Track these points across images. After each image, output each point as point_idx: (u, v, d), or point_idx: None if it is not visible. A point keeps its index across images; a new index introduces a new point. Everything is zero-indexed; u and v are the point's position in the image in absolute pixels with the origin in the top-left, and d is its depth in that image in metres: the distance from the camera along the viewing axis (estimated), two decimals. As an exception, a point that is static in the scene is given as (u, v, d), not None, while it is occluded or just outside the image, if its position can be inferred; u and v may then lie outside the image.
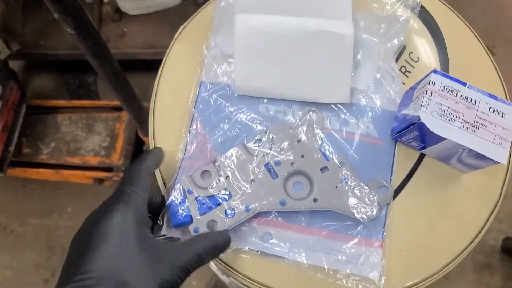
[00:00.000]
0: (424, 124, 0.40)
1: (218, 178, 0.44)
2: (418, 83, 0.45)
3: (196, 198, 0.43)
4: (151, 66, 1.26)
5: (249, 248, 0.43)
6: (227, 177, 0.44)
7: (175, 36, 0.54)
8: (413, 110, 0.42)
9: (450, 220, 0.45)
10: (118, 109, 1.20)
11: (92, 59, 0.67)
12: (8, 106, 1.12)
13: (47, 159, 1.17)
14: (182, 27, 0.55)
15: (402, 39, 0.49)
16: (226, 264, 0.44)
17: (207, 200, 0.43)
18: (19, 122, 1.17)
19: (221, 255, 0.44)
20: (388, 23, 0.50)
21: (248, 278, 0.44)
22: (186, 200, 0.43)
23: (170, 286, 0.34)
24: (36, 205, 1.28)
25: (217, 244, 0.39)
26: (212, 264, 0.44)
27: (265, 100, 0.48)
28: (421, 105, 0.40)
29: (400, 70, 0.49)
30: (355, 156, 0.46)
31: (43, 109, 1.23)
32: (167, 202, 0.43)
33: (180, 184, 0.44)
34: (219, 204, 0.43)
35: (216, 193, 0.43)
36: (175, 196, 0.43)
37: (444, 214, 0.45)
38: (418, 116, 0.40)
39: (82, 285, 0.31)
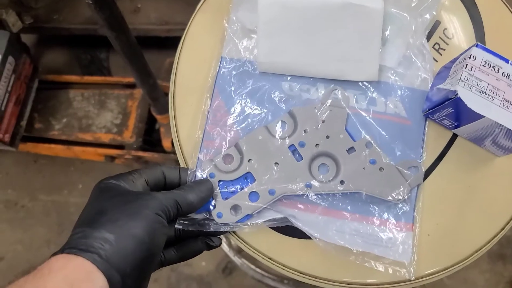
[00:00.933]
0: (461, 100, 0.38)
1: (241, 162, 0.43)
2: (454, 60, 0.42)
3: (219, 182, 0.42)
4: (164, 43, 1.25)
5: (273, 229, 0.42)
6: (249, 160, 0.42)
7: (196, 10, 0.52)
8: (450, 84, 0.39)
9: (481, 205, 0.43)
10: (130, 86, 1.18)
11: (109, 31, 0.65)
12: (20, 80, 1.10)
13: (58, 135, 1.16)
14: (202, 0, 0.52)
15: (434, 13, 0.47)
16: (248, 244, 0.42)
17: (230, 185, 0.42)
18: (31, 96, 1.16)
19: (244, 236, 0.42)
20: None
21: (272, 260, 0.42)
22: None
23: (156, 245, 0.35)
24: (47, 181, 1.28)
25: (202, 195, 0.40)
26: (224, 245, 0.42)
27: (289, 78, 0.46)
28: (460, 79, 0.38)
29: (433, 47, 0.47)
30: (384, 136, 0.44)
31: (55, 84, 1.21)
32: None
33: (202, 169, 0.42)
34: (242, 188, 0.42)
35: (239, 177, 0.42)
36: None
37: (474, 199, 0.43)
38: (455, 91, 0.38)
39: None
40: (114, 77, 1.24)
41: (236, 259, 0.92)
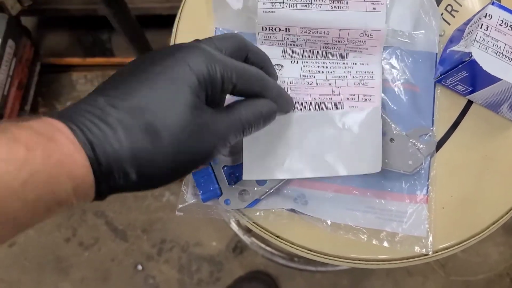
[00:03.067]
0: (476, 62, 0.35)
1: None
2: (468, 21, 0.40)
3: (223, 167, 0.40)
4: (166, 22, 1.22)
5: (282, 209, 0.40)
6: None
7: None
8: (464, 46, 0.37)
9: (497, 176, 0.41)
10: (134, 66, 1.16)
11: (106, 9, 0.63)
12: (22, 63, 1.09)
13: (63, 118, 1.15)
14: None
15: None
16: (256, 223, 0.41)
17: (235, 169, 0.40)
18: (34, 80, 1.15)
19: (253, 216, 0.41)
20: None
21: (280, 238, 0.41)
22: (212, 171, 0.40)
23: (201, 161, 0.28)
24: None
25: (261, 113, 0.31)
26: (233, 224, 0.41)
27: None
28: (475, 40, 0.35)
29: (445, 9, 0.44)
30: (391, 105, 0.41)
31: (57, 67, 1.20)
32: (192, 173, 0.40)
33: None
34: None
35: None
36: (199, 168, 0.40)
37: (491, 169, 0.41)
38: (470, 53, 0.35)
39: (107, 103, 0.24)
40: (116, 58, 1.21)
41: (246, 238, 0.91)
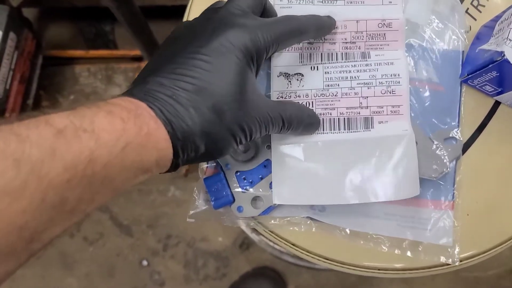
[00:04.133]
0: (508, 62, 0.33)
1: (258, 148, 0.38)
2: (497, 17, 0.37)
3: (236, 173, 0.38)
4: (172, 12, 1.19)
5: (299, 217, 0.38)
6: (267, 146, 0.38)
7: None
8: (495, 45, 0.34)
9: (525, 180, 0.39)
10: (138, 59, 1.14)
11: (110, 1, 0.60)
12: (24, 56, 1.06)
13: (66, 112, 1.13)
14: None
15: None
16: (273, 233, 0.39)
17: (249, 175, 0.38)
18: (36, 73, 1.12)
19: (267, 224, 0.39)
20: None
21: (295, 246, 0.39)
22: (225, 177, 0.38)
23: (249, 135, 0.31)
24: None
25: (304, 116, 0.35)
26: (241, 222, 0.39)
27: None
28: (507, 38, 0.33)
29: (471, 3, 0.41)
30: (414, 105, 0.39)
31: (60, 60, 1.17)
32: (202, 178, 0.38)
33: (215, 160, 0.39)
34: (262, 178, 0.38)
35: (257, 166, 0.38)
36: (211, 174, 0.38)
37: (518, 173, 0.39)
38: (502, 52, 0.33)
39: (175, 86, 0.28)
40: (120, 50, 1.19)
41: (254, 236, 0.89)
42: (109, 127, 0.24)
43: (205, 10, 0.33)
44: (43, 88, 1.15)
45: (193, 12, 0.45)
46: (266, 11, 0.35)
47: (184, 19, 0.45)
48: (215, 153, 0.30)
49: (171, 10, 1.15)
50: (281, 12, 0.40)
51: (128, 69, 1.13)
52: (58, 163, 0.21)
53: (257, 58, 0.31)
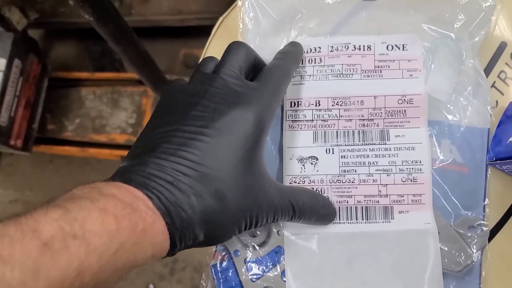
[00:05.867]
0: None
1: (269, 233, 0.36)
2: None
3: (245, 260, 0.36)
4: (178, 32, 1.17)
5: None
6: (278, 231, 0.36)
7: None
8: (528, 139, 0.32)
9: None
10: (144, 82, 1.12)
11: (114, 45, 0.58)
12: (29, 82, 1.05)
13: (72, 136, 1.12)
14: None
15: (483, 33, 0.38)
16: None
17: (259, 262, 0.36)
18: (42, 97, 1.11)
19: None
20: (468, 12, 0.38)
21: None
22: (233, 264, 0.35)
23: (253, 223, 0.29)
24: (64, 180, 1.24)
25: (317, 205, 0.33)
26: None
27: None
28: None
29: (498, 76, 0.38)
30: (435, 190, 0.36)
31: (66, 82, 1.16)
32: (210, 265, 0.36)
33: (224, 245, 0.36)
34: (274, 265, 0.35)
35: (269, 252, 0.36)
36: (219, 260, 0.36)
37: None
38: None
39: (176, 170, 0.26)
40: (126, 73, 1.17)
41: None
42: (102, 229, 0.22)
43: (199, 74, 0.31)
44: (49, 111, 1.13)
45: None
46: (256, 67, 0.33)
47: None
48: (215, 241, 0.29)
49: (178, 29, 1.14)
50: (293, 88, 0.37)
51: (134, 92, 1.11)
52: (42, 282, 0.20)
53: (262, 138, 0.30)
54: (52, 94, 1.14)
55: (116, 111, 1.11)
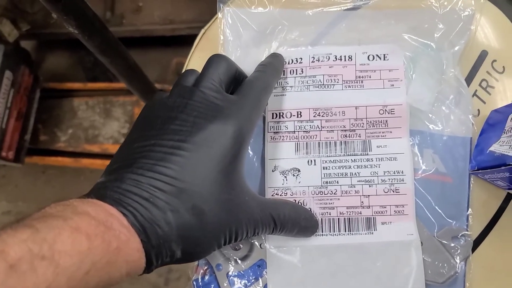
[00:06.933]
0: (523, 170, 0.30)
1: (251, 246, 0.36)
2: (510, 106, 0.35)
3: (227, 274, 0.35)
4: (170, 41, 1.17)
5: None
6: (260, 244, 0.36)
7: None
8: (508, 146, 0.32)
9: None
10: (136, 92, 1.12)
11: (101, 57, 0.58)
12: (20, 93, 1.05)
13: (65, 147, 1.11)
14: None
15: (462, 42, 0.38)
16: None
17: (241, 276, 0.35)
18: (34, 108, 1.11)
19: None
20: (447, 22, 0.38)
21: None
22: (216, 278, 0.35)
23: (233, 238, 0.29)
24: (57, 191, 1.24)
25: (299, 218, 0.33)
26: None
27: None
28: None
29: (479, 85, 0.39)
30: (418, 200, 0.36)
31: (58, 92, 1.16)
32: (192, 280, 0.35)
33: (206, 259, 0.36)
34: (257, 279, 0.35)
35: (251, 266, 0.35)
36: (200, 274, 0.35)
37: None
38: (516, 160, 0.30)
39: (153, 186, 0.26)
40: (118, 83, 1.17)
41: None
42: (72, 249, 0.22)
43: (178, 87, 0.31)
44: (41, 122, 1.13)
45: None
46: (237, 79, 0.33)
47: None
48: (193, 257, 0.28)
49: (170, 39, 1.14)
50: (275, 99, 0.37)
51: (126, 102, 1.11)
52: None
53: (242, 151, 0.29)
54: (44, 105, 1.14)
55: (108, 121, 1.11)
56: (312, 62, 0.38)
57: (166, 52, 1.24)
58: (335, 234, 0.35)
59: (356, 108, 0.37)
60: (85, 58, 1.32)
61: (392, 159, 0.36)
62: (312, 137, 0.37)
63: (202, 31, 0.43)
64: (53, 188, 1.24)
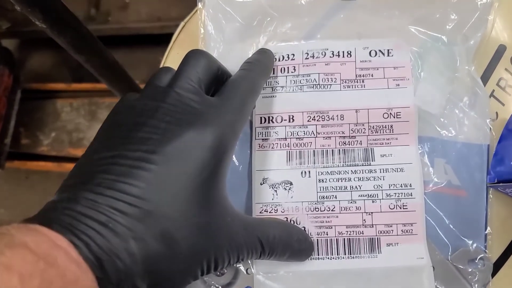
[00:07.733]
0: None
1: (236, 273, 0.31)
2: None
3: None
4: (159, 40, 1.12)
5: None
6: (247, 269, 0.31)
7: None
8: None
9: None
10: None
11: (76, 54, 0.53)
12: (-1, 94, 1.00)
13: (48, 151, 1.07)
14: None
15: (478, 35, 0.33)
16: None
17: None
18: (14, 110, 1.06)
19: None
20: (461, 11, 0.33)
21: None
22: None
23: (212, 267, 0.24)
24: (40, 197, 1.19)
25: (291, 239, 0.28)
26: None
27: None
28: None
29: (498, 84, 0.34)
30: (428, 218, 0.31)
31: (41, 93, 1.11)
32: None
33: None
34: None
35: None
36: None
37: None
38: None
39: (112, 208, 0.21)
40: (103, 84, 1.12)
41: None
42: None
43: (150, 87, 0.26)
44: (22, 124, 1.08)
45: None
46: (219, 79, 0.29)
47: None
48: None
49: (159, 37, 1.09)
50: (263, 102, 0.33)
51: (112, 103, 1.05)
52: None
53: (223, 164, 0.25)
54: (26, 107, 1.09)
55: (94, 124, 1.06)
56: (306, 58, 0.33)
57: (154, 51, 1.19)
58: (333, 258, 0.30)
59: (356, 112, 0.32)
60: (70, 58, 1.27)
61: (399, 170, 0.31)
62: (306, 145, 0.32)
63: (182, 24, 0.38)
64: (37, 194, 1.19)
